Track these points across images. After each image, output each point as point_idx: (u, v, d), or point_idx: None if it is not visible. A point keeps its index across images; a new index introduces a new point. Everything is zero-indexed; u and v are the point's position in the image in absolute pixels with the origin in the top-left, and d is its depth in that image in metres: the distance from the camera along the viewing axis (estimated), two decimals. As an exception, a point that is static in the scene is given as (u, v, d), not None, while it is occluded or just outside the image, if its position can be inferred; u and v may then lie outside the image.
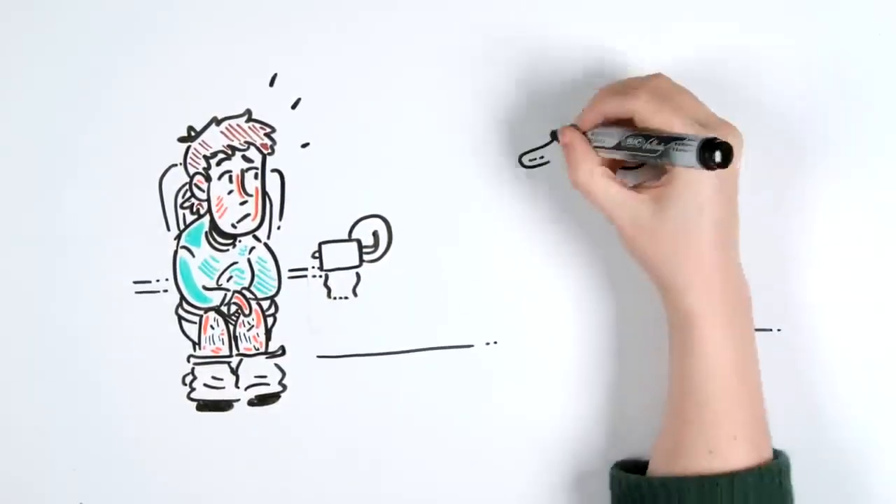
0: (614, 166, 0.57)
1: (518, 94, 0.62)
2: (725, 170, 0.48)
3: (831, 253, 0.61)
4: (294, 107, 0.63)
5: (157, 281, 0.64)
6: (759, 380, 0.55)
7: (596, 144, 0.55)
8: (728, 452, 0.53)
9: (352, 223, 0.63)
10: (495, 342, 0.63)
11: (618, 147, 0.54)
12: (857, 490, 0.61)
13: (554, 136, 0.60)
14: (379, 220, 0.63)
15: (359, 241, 0.63)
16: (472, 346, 0.63)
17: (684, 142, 0.49)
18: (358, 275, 0.64)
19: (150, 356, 0.64)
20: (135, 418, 0.65)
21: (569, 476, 0.64)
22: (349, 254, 0.63)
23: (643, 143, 0.52)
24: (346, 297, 0.64)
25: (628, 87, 0.54)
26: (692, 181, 0.51)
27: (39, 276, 0.64)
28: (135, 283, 0.64)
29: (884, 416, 0.61)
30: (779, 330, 0.61)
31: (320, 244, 0.64)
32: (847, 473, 0.61)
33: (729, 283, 0.54)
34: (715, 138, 0.47)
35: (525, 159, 0.62)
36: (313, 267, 0.64)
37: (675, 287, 0.54)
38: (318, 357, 0.64)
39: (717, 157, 0.46)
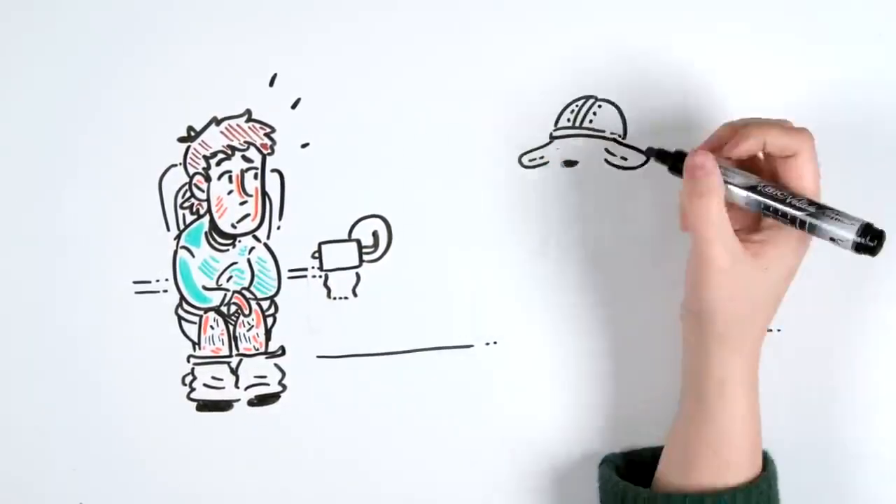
0: None
1: (518, 95, 0.62)
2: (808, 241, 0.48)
3: (831, 253, 0.61)
4: (294, 107, 0.63)
5: (157, 281, 0.64)
6: (759, 418, 0.55)
7: (727, 180, 0.51)
8: (733, 480, 0.54)
9: (352, 223, 0.63)
10: (495, 342, 0.63)
11: (753, 189, 0.51)
12: (856, 490, 0.61)
13: (651, 153, 0.56)
14: (379, 220, 0.63)
15: (359, 241, 0.63)
16: (472, 346, 0.63)
17: (843, 220, 0.48)
18: (358, 275, 0.64)
19: (150, 356, 0.64)
20: (135, 418, 0.65)
21: (569, 475, 0.64)
22: (349, 254, 0.63)
23: (790, 197, 0.50)
24: (346, 297, 0.64)
25: (794, 129, 0.51)
26: (792, 248, 0.50)
27: (39, 276, 0.64)
28: (135, 283, 0.64)
29: (883, 415, 0.61)
30: (779, 330, 0.61)
31: (320, 244, 0.64)
32: (847, 473, 0.61)
33: (753, 355, 0.53)
34: (871, 225, 0.47)
35: (525, 159, 0.62)
36: (313, 267, 0.64)
37: (723, 348, 0.51)
38: (318, 357, 0.64)
39: (875, 244, 0.47)
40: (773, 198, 0.50)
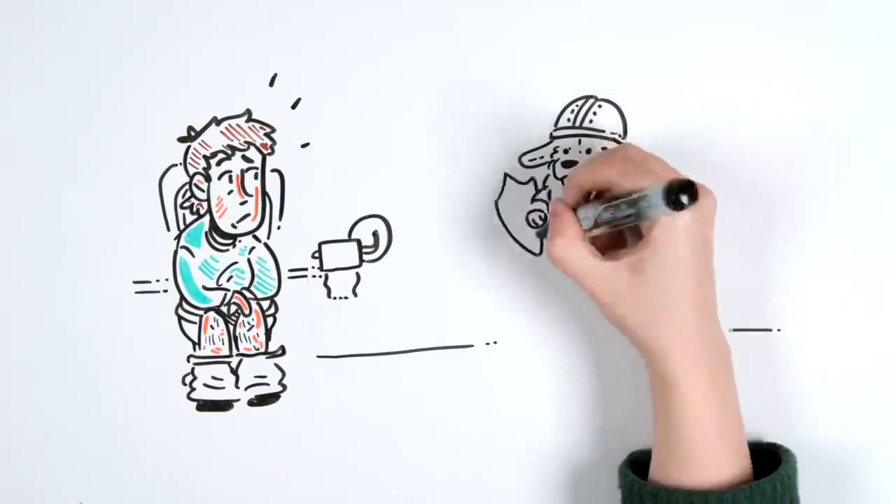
0: (608, 246, 0.57)
1: (518, 95, 0.62)
2: (698, 233, 0.50)
3: (831, 253, 0.61)
4: (294, 107, 0.63)
5: (157, 281, 0.64)
6: (741, 431, 0.55)
7: (583, 224, 0.55)
8: (714, 486, 0.54)
9: (352, 223, 0.63)
10: (495, 342, 0.63)
11: (597, 223, 0.54)
12: (856, 489, 0.61)
13: (540, 234, 0.61)
14: (379, 220, 0.63)
15: (359, 241, 0.63)
16: (472, 346, 0.63)
17: (649, 195, 0.49)
18: (358, 275, 0.64)
19: (150, 356, 0.64)
20: (135, 418, 0.65)
21: (568, 475, 0.64)
22: (349, 254, 0.63)
23: (616, 211, 0.52)
24: (346, 297, 0.64)
25: (599, 159, 0.55)
26: (667, 243, 0.51)
27: (39, 276, 0.64)
28: (135, 283, 0.64)
29: (883, 415, 0.61)
30: (779, 330, 0.61)
31: (320, 244, 0.64)
32: (846, 473, 0.61)
33: (709, 343, 0.54)
34: (674, 180, 0.47)
35: (525, 159, 0.62)
36: (313, 267, 0.64)
37: (655, 351, 0.54)
38: (318, 357, 0.64)
39: (684, 198, 0.46)
40: (609, 220, 0.53)
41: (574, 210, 0.56)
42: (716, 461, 0.54)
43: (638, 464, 0.59)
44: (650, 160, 0.54)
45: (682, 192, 0.47)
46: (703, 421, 0.53)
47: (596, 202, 0.55)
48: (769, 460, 0.57)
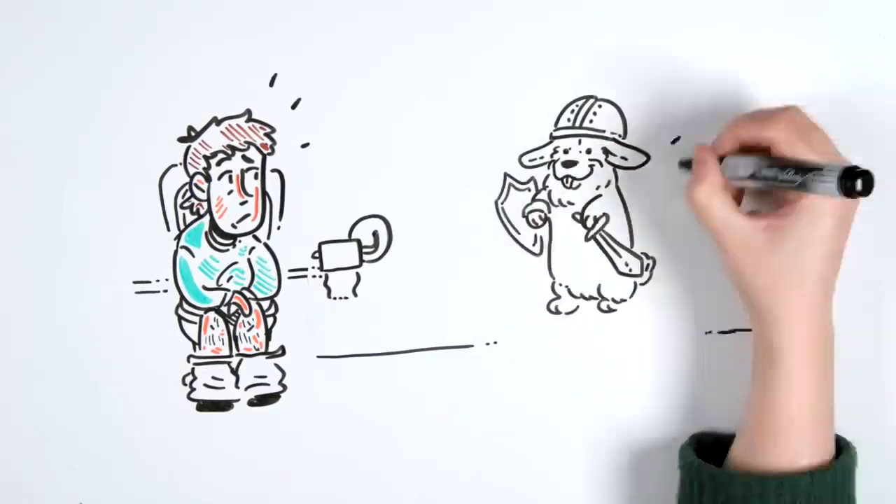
0: (738, 198, 0.57)
1: (518, 95, 0.62)
2: (843, 216, 0.50)
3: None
4: (294, 107, 0.63)
5: (157, 281, 0.64)
6: (832, 409, 0.55)
7: (729, 173, 0.55)
8: (802, 463, 0.54)
9: (352, 223, 0.63)
10: (495, 342, 0.63)
11: (753, 177, 0.53)
12: (860, 490, 0.61)
13: (684, 164, 0.59)
14: (379, 220, 0.63)
15: (359, 241, 0.63)
16: (472, 346, 0.63)
17: (824, 171, 0.48)
18: (358, 275, 0.64)
19: (150, 356, 0.64)
20: (135, 418, 0.65)
21: (567, 475, 0.64)
22: (349, 254, 0.63)
23: (779, 173, 0.51)
24: (346, 297, 0.64)
25: (767, 116, 0.54)
26: (814, 217, 0.51)
27: (39, 276, 0.64)
28: (135, 283, 0.64)
29: (883, 416, 0.61)
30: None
31: (320, 244, 0.64)
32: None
33: (821, 322, 0.54)
34: (856, 167, 0.47)
35: (525, 159, 0.62)
36: (313, 267, 0.64)
37: (770, 319, 0.53)
38: (318, 357, 0.64)
39: (859, 185, 0.47)
40: (769, 178, 0.52)
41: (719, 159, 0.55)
42: (803, 446, 0.54)
43: (701, 449, 0.59)
44: (816, 132, 0.53)
45: (859, 180, 0.47)
46: (803, 399, 0.53)
47: (747, 156, 0.54)
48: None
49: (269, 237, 0.64)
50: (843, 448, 0.56)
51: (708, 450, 0.59)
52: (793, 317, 0.53)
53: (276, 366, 0.64)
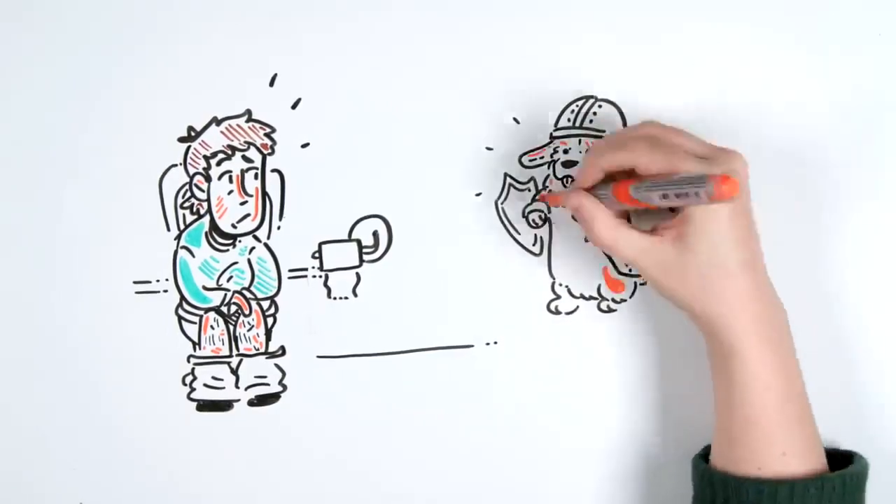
0: (623, 215, 0.57)
1: (518, 95, 0.62)
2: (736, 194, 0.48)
3: (830, 252, 0.61)
4: (294, 107, 0.63)
5: (157, 281, 0.64)
6: (805, 396, 0.55)
7: (604, 201, 0.55)
8: (777, 468, 0.53)
9: (352, 223, 0.63)
10: (495, 342, 0.63)
11: (638, 202, 0.53)
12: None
13: (537, 197, 0.61)
14: (379, 220, 0.63)
15: (359, 241, 0.63)
16: (472, 346, 0.63)
17: (691, 185, 0.48)
18: (358, 275, 0.64)
19: (150, 356, 0.64)
20: (135, 418, 0.65)
21: (567, 475, 0.64)
22: (349, 254, 0.63)
23: (652, 191, 0.51)
24: (346, 297, 0.64)
25: (623, 139, 0.54)
26: (708, 213, 0.52)
27: (39, 276, 0.64)
28: (135, 283, 0.64)
29: (883, 416, 0.61)
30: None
31: (320, 244, 0.64)
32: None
33: (764, 306, 0.53)
34: (716, 176, 0.47)
35: (525, 159, 0.62)
36: (313, 267, 0.64)
37: (712, 320, 0.53)
38: (318, 357, 0.64)
39: (726, 191, 0.46)
40: (644, 199, 0.52)
41: (591, 190, 0.56)
42: (782, 438, 0.53)
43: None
44: (674, 135, 0.54)
45: (724, 187, 0.46)
46: (766, 386, 0.53)
47: (623, 182, 0.54)
48: (840, 466, 0.56)
49: (269, 237, 0.64)
50: (851, 461, 0.56)
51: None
52: (729, 311, 0.53)
53: (276, 366, 0.64)
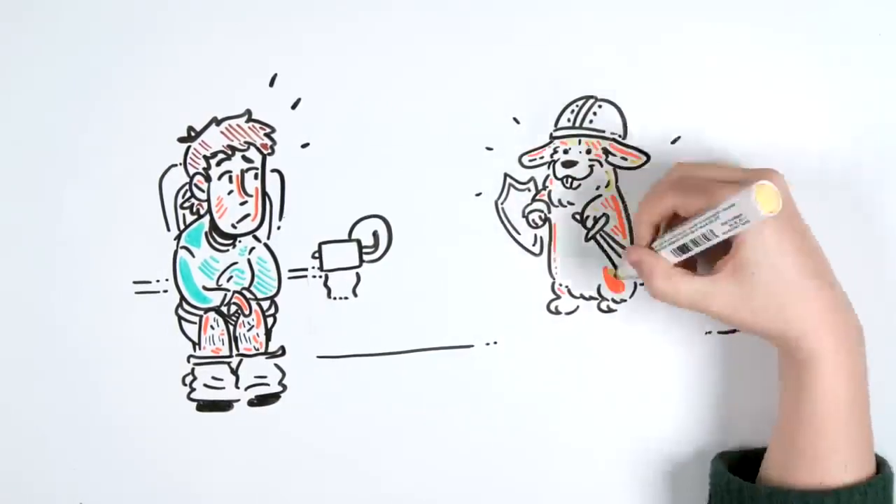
0: (689, 264, 0.57)
1: (519, 95, 0.62)
2: (782, 215, 0.48)
3: (830, 252, 0.61)
4: (294, 107, 0.63)
5: (157, 281, 0.64)
6: (868, 405, 0.54)
7: (667, 256, 0.55)
8: (838, 478, 0.53)
9: (352, 223, 0.63)
10: (495, 342, 0.63)
11: (682, 249, 0.54)
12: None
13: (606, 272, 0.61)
14: (379, 220, 0.63)
15: (359, 241, 0.63)
16: (472, 346, 0.63)
17: (727, 211, 0.48)
18: (358, 275, 0.64)
19: (150, 356, 0.64)
20: (135, 418, 0.65)
21: (566, 476, 0.64)
22: (349, 254, 0.63)
23: (697, 231, 0.51)
24: (346, 298, 0.64)
25: (657, 189, 0.55)
26: (757, 236, 0.51)
27: (39, 276, 0.64)
28: (135, 283, 0.64)
29: (883, 415, 0.61)
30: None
31: (320, 244, 0.64)
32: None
33: (839, 314, 0.53)
34: (752, 190, 0.47)
35: (525, 159, 0.62)
36: (313, 267, 0.64)
37: (790, 339, 0.53)
38: (318, 357, 0.64)
39: (764, 205, 0.46)
40: (694, 242, 0.52)
41: (651, 244, 0.56)
42: (846, 450, 0.53)
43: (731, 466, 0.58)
44: (703, 169, 0.54)
45: (760, 202, 0.47)
46: (838, 398, 0.52)
47: (671, 230, 0.55)
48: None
49: (269, 237, 0.64)
50: (880, 465, 0.55)
51: (733, 463, 0.59)
52: (806, 327, 0.52)
53: (276, 366, 0.64)
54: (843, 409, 0.52)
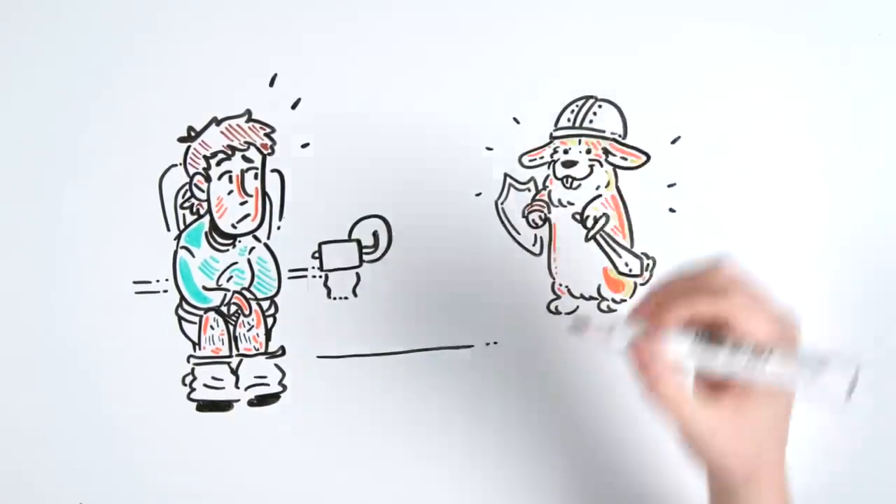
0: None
1: (518, 95, 0.62)
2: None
3: (831, 251, 0.61)
4: (294, 107, 0.63)
5: (157, 281, 0.64)
6: None
7: (679, 357, 0.47)
8: None
9: (352, 223, 0.63)
10: (495, 342, 0.63)
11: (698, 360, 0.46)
12: (856, 491, 0.61)
13: (578, 327, 0.49)
14: (379, 220, 0.63)
15: (359, 241, 0.63)
16: (472, 346, 0.63)
17: (817, 369, 0.44)
18: (358, 275, 0.64)
19: (150, 356, 0.64)
20: (135, 418, 0.65)
21: (566, 476, 0.64)
22: (349, 254, 0.63)
23: (752, 358, 0.45)
24: (346, 298, 0.64)
25: (716, 283, 0.46)
26: (766, 391, 0.47)
27: (39, 276, 0.64)
28: (135, 283, 0.64)
29: (884, 415, 0.61)
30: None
31: (320, 244, 0.64)
32: (846, 472, 0.61)
33: (783, 481, 0.51)
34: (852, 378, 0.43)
35: (525, 159, 0.62)
36: (313, 267, 0.64)
37: (747, 482, 0.49)
38: (318, 357, 0.64)
39: (846, 394, 0.43)
40: (736, 364, 0.45)
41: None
42: None
43: None
44: (762, 290, 0.46)
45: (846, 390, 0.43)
46: None
47: (700, 341, 0.46)
48: None
49: (269, 237, 0.64)
50: None
51: None
52: (762, 482, 0.49)
53: (276, 366, 0.64)
54: None
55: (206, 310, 0.64)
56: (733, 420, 0.47)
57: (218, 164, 0.63)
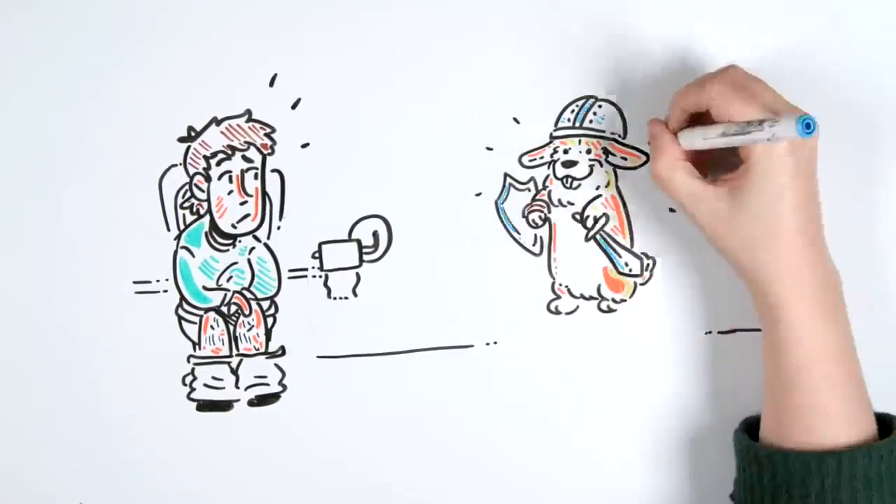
0: (699, 168, 0.56)
1: (518, 95, 0.62)
2: (799, 159, 0.50)
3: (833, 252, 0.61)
4: (294, 107, 0.63)
5: (157, 281, 0.64)
6: (855, 360, 0.53)
7: (685, 145, 0.55)
8: (824, 436, 0.51)
9: (352, 223, 0.63)
10: (495, 342, 0.63)
11: (707, 136, 0.53)
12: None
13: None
14: (379, 220, 0.63)
15: (359, 241, 0.63)
16: (472, 346, 0.63)
17: (778, 124, 0.48)
18: (358, 275, 0.64)
19: (150, 356, 0.64)
20: (135, 418, 0.65)
21: (566, 476, 0.64)
22: (349, 254, 0.63)
23: (725, 133, 0.51)
24: (346, 298, 0.64)
25: (702, 81, 0.54)
26: (768, 168, 0.51)
27: (39, 276, 0.64)
28: (135, 283, 0.64)
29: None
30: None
31: (320, 244, 0.64)
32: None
33: (816, 269, 0.52)
34: (806, 117, 0.46)
35: (525, 159, 0.62)
36: (313, 267, 0.64)
37: (760, 278, 0.52)
38: (318, 357, 0.64)
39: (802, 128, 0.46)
40: (722, 134, 0.52)
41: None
42: (833, 408, 0.51)
43: (754, 430, 0.57)
44: (753, 83, 0.53)
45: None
46: (810, 351, 0.51)
47: (698, 127, 0.54)
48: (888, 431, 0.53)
49: (269, 237, 0.64)
50: (891, 427, 0.53)
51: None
52: (779, 272, 0.52)
53: (276, 366, 0.64)
54: (823, 363, 0.52)
55: (206, 310, 0.64)
56: (731, 204, 0.53)
57: (218, 164, 0.63)
